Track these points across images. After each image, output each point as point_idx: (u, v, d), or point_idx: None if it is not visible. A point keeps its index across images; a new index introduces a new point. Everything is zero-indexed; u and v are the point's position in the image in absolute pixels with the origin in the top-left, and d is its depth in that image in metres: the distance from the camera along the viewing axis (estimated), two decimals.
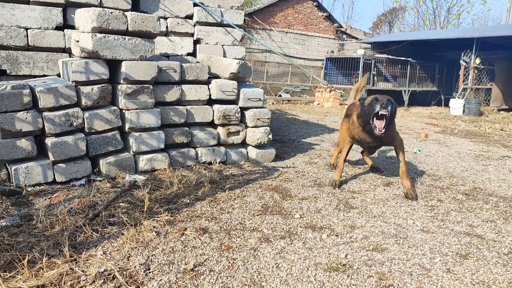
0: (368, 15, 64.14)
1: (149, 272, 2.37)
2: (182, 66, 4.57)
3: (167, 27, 5.44)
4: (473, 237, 3.10)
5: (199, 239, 2.83)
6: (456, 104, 14.30)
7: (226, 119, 4.81)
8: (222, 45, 5.81)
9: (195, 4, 5.57)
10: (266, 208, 3.52)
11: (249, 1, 19.46)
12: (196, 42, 5.69)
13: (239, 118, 4.93)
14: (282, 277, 2.40)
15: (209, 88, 4.78)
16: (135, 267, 2.41)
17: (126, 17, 4.05)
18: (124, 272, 2.34)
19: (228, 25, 5.81)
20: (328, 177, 4.61)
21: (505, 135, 9.21)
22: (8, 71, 4.43)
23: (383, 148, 5.05)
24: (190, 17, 5.60)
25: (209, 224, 3.10)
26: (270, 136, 5.11)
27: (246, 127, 5.02)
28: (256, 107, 5.03)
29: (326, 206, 3.64)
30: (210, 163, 4.73)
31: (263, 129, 5.03)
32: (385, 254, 2.75)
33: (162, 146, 4.40)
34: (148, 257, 2.54)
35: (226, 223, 3.14)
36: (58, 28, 4.71)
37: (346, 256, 2.69)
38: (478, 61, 15.44)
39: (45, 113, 3.72)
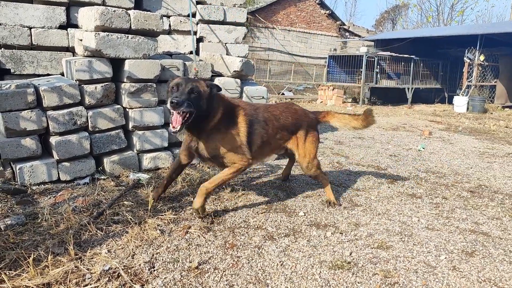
0: (371, 13, 63.94)
1: (154, 270, 2.37)
2: (185, 64, 4.57)
3: (170, 25, 5.44)
4: (478, 235, 3.09)
5: (203, 237, 2.83)
6: (460, 102, 14.24)
7: None
8: (225, 43, 5.80)
9: (198, 2, 5.56)
10: (270, 206, 3.51)
11: None
12: (199, 40, 5.68)
13: None
14: (286, 275, 2.39)
15: None
16: (139, 265, 2.41)
17: (129, 15, 4.04)
18: (129, 270, 2.34)
19: (231, 23, 5.80)
20: (332, 175, 4.60)
21: (510, 132, 9.16)
22: (12, 70, 4.44)
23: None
24: (193, 15, 5.59)
25: (213, 222, 3.10)
26: None
27: None
28: None
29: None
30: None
31: None
32: (390, 251, 2.74)
33: (166, 144, 4.40)
34: (153, 255, 2.54)
35: (230, 221, 3.14)
36: (61, 27, 4.71)
37: (350, 254, 2.68)
38: (482, 58, 15.37)
39: (49, 112, 3.72)
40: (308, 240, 2.86)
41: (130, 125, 4.18)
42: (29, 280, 2.16)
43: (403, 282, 2.36)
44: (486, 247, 2.87)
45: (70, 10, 4.77)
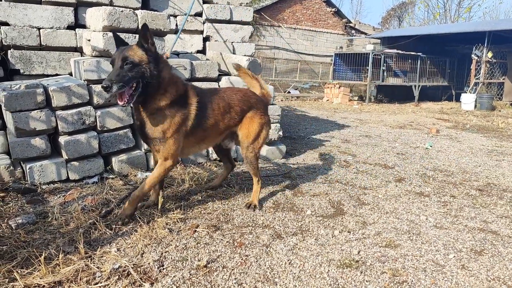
0: (377, 10, 63.56)
1: (163, 269, 2.39)
2: (192, 63, 4.59)
3: (176, 25, 5.46)
4: (487, 233, 3.07)
5: (212, 236, 2.84)
6: (468, 99, 14.13)
7: None
8: (232, 42, 5.80)
9: (204, 2, 5.57)
10: (278, 204, 3.52)
11: None
12: (206, 39, 5.70)
13: None
14: (295, 273, 2.40)
15: (219, 85, 4.79)
16: (149, 263, 2.43)
17: (136, 15, 4.07)
18: (138, 269, 2.37)
19: (238, 22, 5.81)
20: (339, 173, 4.59)
21: None
22: (21, 71, 4.48)
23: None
24: (199, 14, 5.61)
25: (221, 221, 3.12)
26: (281, 133, 5.10)
27: None
28: None
29: (338, 202, 3.63)
30: (220, 160, 4.74)
31: (273, 126, 5.02)
32: (398, 250, 2.74)
33: None
34: (162, 253, 2.56)
35: (238, 220, 3.15)
36: (69, 27, 4.75)
37: (359, 253, 2.68)
38: (490, 54, 15.23)
39: (58, 112, 3.76)
40: (316, 239, 2.86)
41: None
42: (40, 278, 2.18)
43: (412, 281, 2.36)
44: (495, 245, 2.86)
45: (78, 10, 4.80)
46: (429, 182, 4.39)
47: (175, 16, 5.44)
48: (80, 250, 2.47)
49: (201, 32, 5.65)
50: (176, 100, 2.90)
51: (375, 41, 20.18)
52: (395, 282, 2.34)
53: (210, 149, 4.70)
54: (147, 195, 3.23)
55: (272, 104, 5.10)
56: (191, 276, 2.32)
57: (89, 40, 4.21)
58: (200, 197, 3.59)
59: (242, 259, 2.54)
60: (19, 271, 2.23)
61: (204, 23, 5.62)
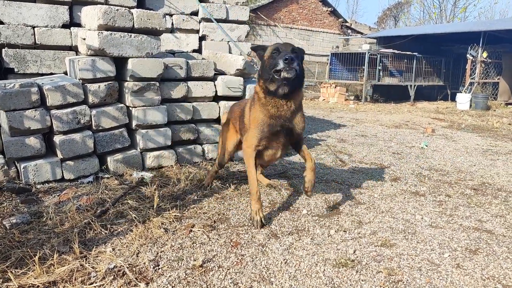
0: (373, 10, 63.72)
1: (159, 268, 2.38)
2: (188, 63, 4.57)
3: (172, 24, 5.44)
4: (482, 232, 3.09)
5: (207, 235, 2.84)
6: (463, 99, 14.19)
7: None
8: (228, 41, 5.80)
9: (200, 1, 5.56)
10: (274, 204, 3.52)
11: None
12: (202, 38, 5.69)
13: None
14: (290, 273, 2.40)
15: (215, 85, 4.78)
16: (144, 263, 2.42)
17: (132, 14, 4.05)
18: (134, 269, 2.36)
19: (234, 21, 5.80)
20: (335, 173, 4.60)
21: None
22: (15, 70, 4.45)
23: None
24: (195, 13, 5.60)
25: (217, 220, 3.11)
26: None
27: None
28: None
29: (334, 201, 3.64)
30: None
31: None
32: (393, 249, 2.74)
33: (169, 143, 4.41)
34: (157, 253, 2.55)
35: (234, 219, 3.15)
36: (64, 26, 4.72)
37: (354, 252, 2.68)
38: (485, 54, 15.30)
39: (53, 111, 3.74)
40: (311, 238, 2.86)
41: (134, 123, 4.20)
42: (35, 278, 2.17)
43: (407, 280, 2.36)
44: (489, 244, 2.88)
45: (73, 9, 4.78)
46: (425, 181, 4.41)
47: (171, 15, 5.42)
48: (75, 250, 2.46)
49: (197, 31, 5.64)
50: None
51: (371, 40, 20.23)
52: (390, 281, 2.35)
53: (206, 148, 4.70)
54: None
55: None
56: (186, 276, 2.31)
57: (84, 39, 4.19)
58: (195, 197, 3.59)
59: (238, 259, 2.54)
60: (13, 271, 2.22)
61: (200, 22, 5.61)
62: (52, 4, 4.61)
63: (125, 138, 4.19)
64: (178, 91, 4.50)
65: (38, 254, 2.34)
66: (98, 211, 3.10)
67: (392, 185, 4.22)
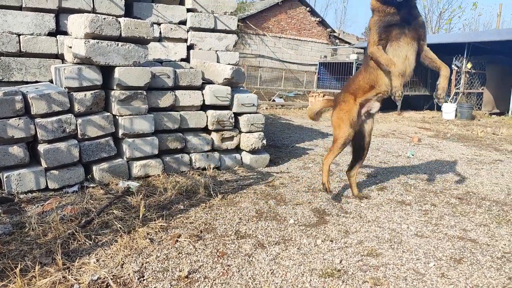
0: (361, 20, 64.57)
1: (143, 280, 2.35)
2: (175, 71, 4.57)
3: (160, 32, 5.44)
4: (466, 241, 3.12)
5: (194, 245, 2.82)
6: (449, 108, 14.40)
7: (220, 124, 4.80)
8: (216, 51, 5.82)
9: (188, 10, 5.58)
10: (261, 213, 3.51)
11: (242, 6, 19.52)
12: (190, 47, 5.70)
13: (233, 124, 4.93)
14: (277, 283, 2.39)
15: (202, 94, 4.78)
16: (129, 274, 2.39)
17: (119, 23, 4.04)
18: (118, 280, 2.32)
19: (222, 31, 5.83)
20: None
21: (496, 139, 9.29)
22: (0, 78, 4.40)
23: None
24: (183, 22, 5.61)
25: (204, 230, 3.09)
26: (264, 141, 5.11)
27: (240, 132, 5.02)
28: (250, 113, 5.04)
29: (321, 211, 3.64)
30: (204, 169, 4.72)
31: (257, 135, 5.03)
32: (379, 259, 2.75)
33: (156, 152, 4.38)
34: (142, 264, 2.52)
35: (221, 229, 3.13)
36: (50, 34, 4.69)
37: (341, 262, 2.69)
38: (469, 65, 15.61)
39: (38, 120, 3.69)
40: (298, 248, 2.86)
41: (120, 132, 4.16)
42: None
43: None
44: (474, 254, 2.90)
45: (60, 17, 4.75)
46: (411, 190, 4.45)
47: (159, 24, 5.42)
48: (57, 262, 2.41)
49: (185, 40, 5.65)
50: None
51: (359, 50, 20.47)
52: None
53: (193, 157, 4.68)
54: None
55: (256, 113, 5.11)
56: (172, 287, 2.29)
57: (70, 47, 4.16)
58: (182, 206, 3.56)
59: (224, 269, 2.52)
60: None
61: (188, 31, 5.62)
62: (38, 12, 4.58)
63: (111, 147, 4.15)
64: (165, 100, 4.49)
65: (19, 266, 2.30)
66: (83, 221, 3.05)
67: (378, 194, 4.24)
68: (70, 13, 4.57)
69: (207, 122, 4.80)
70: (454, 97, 15.42)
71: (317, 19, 22.32)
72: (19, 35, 4.49)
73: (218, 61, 5.80)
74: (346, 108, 3.75)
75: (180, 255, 2.67)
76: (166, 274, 2.42)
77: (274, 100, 17.37)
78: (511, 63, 15.39)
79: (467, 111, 14.06)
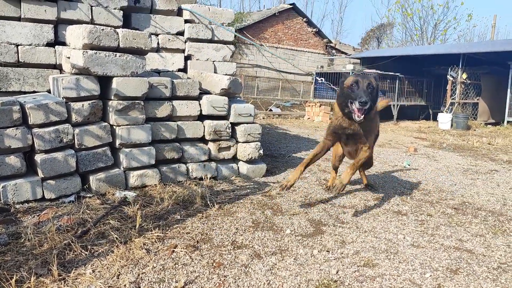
0: (357, 31, 65.15)
1: None
2: (173, 82, 4.60)
3: (158, 43, 5.48)
4: (462, 252, 3.13)
5: (190, 256, 2.81)
6: (444, 118, 14.51)
7: (217, 134, 4.82)
8: (213, 61, 5.86)
9: (186, 21, 5.63)
10: (257, 224, 3.51)
11: (239, 17, 19.68)
12: (187, 58, 5.74)
13: (230, 134, 4.95)
14: None
15: (200, 104, 4.80)
16: (125, 285, 2.38)
17: (117, 33, 4.07)
18: None
19: (219, 42, 5.87)
20: (319, 192, 4.63)
21: (492, 149, 9.35)
22: None
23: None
24: (181, 33, 5.66)
25: (200, 240, 3.09)
26: (261, 151, 5.12)
27: (237, 142, 5.04)
28: (247, 123, 5.06)
29: (317, 221, 3.65)
30: (201, 179, 4.73)
31: (254, 144, 5.05)
32: (376, 269, 2.76)
33: (153, 162, 4.38)
34: (139, 275, 2.52)
35: (217, 239, 3.13)
36: (49, 44, 4.71)
37: (337, 272, 2.69)
38: (464, 76, 15.76)
39: (35, 130, 3.70)
40: (295, 259, 2.86)
41: (117, 142, 4.17)
42: None
43: None
44: (470, 264, 2.91)
45: (58, 27, 4.78)
46: (407, 200, 4.46)
47: (157, 35, 5.46)
48: (53, 272, 2.41)
49: (183, 50, 5.69)
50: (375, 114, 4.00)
51: (355, 61, 20.64)
52: None
53: (190, 167, 4.68)
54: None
55: (253, 123, 5.13)
56: None
57: (68, 58, 4.19)
58: (179, 216, 3.56)
59: (220, 280, 2.51)
60: None
61: (185, 42, 5.67)
62: (37, 23, 4.60)
63: (108, 157, 4.16)
64: (162, 110, 4.51)
65: (15, 277, 2.29)
66: (79, 232, 3.05)
67: (375, 204, 4.26)
68: (68, 24, 4.60)
69: (204, 132, 4.82)
70: (450, 107, 15.53)
71: (314, 29, 22.51)
72: (17, 45, 4.52)
73: (215, 72, 5.84)
74: None
75: (177, 265, 2.67)
76: (162, 285, 2.42)
77: (271, 110, 17.43)
78: (506, 73, 15.55)
79: (462, 121, 14.16)
